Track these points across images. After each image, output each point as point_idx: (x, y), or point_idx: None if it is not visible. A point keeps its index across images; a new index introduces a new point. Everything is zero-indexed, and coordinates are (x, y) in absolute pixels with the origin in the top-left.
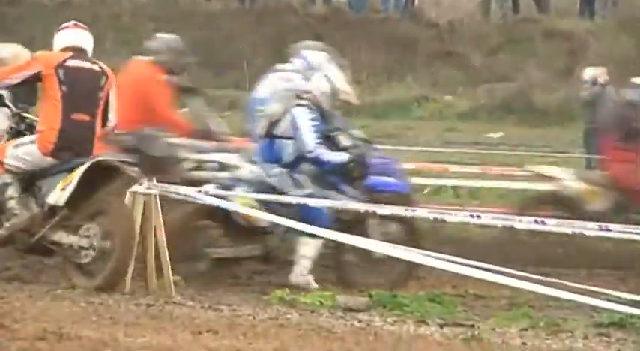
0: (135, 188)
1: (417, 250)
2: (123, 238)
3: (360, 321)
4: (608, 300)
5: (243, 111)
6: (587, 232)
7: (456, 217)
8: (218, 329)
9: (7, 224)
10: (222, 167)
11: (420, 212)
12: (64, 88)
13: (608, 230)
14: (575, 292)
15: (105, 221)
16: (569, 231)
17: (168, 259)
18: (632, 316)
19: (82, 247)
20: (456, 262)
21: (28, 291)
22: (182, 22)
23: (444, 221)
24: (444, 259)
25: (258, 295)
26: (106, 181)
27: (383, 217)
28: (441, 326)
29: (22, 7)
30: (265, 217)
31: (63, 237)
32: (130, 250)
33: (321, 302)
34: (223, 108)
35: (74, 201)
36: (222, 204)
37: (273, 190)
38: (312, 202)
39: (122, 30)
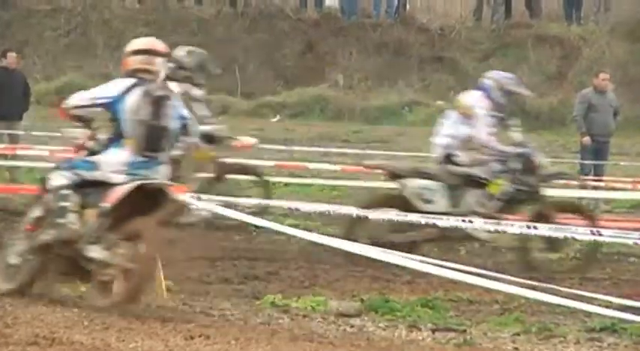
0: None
1: (409, 255)
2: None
3: (352, 326)
4: (600, 305)
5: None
6: (578, 237)
7: (447, 221)
8: (210, 334)
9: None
10: None
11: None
12: None
13: (600, 235)
14: (567, 298)
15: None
16: (561, 235)
17: (160, 264)
18: (623, 321)
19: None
20: (449, 268)
21: (20, 296)
22: (174, 27)
23: (435, 226)
24: (436, 265)
25: (250, 300)
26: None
27: None
28: (433, 331)
29: (13, 11)
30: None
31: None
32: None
33: (313, 307)
34: (215, 113)
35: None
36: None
37: None
38: None
39: (113, 35)
